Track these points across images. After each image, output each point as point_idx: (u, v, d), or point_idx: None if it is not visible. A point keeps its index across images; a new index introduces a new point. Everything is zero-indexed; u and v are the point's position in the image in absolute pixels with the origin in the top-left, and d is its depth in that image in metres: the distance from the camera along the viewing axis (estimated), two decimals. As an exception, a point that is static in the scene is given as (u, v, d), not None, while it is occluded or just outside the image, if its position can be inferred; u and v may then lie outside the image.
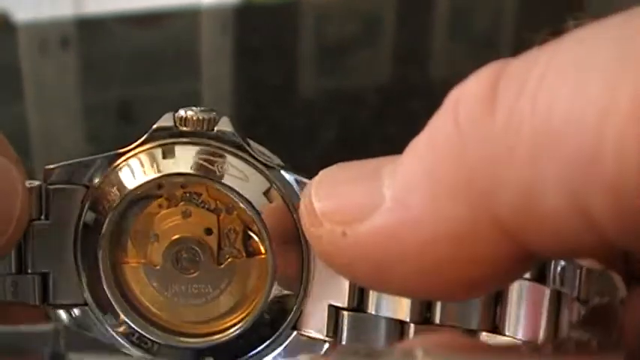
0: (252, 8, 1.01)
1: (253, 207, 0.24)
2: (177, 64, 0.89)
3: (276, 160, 0.25)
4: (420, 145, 0.19)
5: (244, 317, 0.25)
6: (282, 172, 0.24)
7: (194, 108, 0.24)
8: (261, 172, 0.24)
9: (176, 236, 0.25)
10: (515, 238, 0.18)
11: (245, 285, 0.25)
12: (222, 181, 0.24)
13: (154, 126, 0.24)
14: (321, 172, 0.21)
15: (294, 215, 0.24)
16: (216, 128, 0.24)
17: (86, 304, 0.25)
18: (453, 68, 0.89)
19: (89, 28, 0.93)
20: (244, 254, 0.25)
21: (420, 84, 0.87)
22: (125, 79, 0.85)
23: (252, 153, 0.24)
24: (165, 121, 0.24)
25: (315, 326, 0.24)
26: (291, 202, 0.24)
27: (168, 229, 0.25)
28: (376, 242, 0.19)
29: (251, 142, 0.25)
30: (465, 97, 0.18)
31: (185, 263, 0.25)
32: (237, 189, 0.24)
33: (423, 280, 0.19)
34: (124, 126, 0.76)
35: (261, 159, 0.24)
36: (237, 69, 0.89)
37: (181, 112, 0.24)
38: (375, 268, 0.19)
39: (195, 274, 0.25)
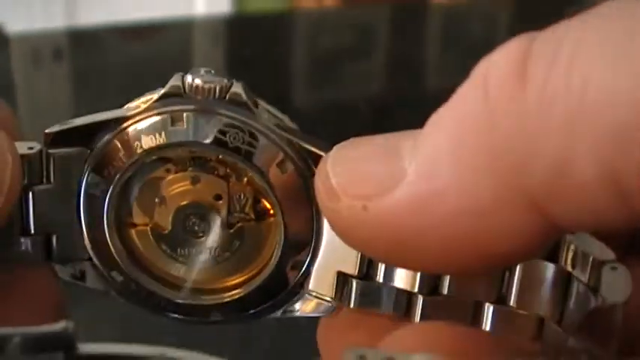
0: (245, 19, 1.01)
1: (266, 178, 0.23)
2: (170, 75, 0.88)
3: (288, 123, 0.24)
4: (445, 119, 0.19)
5: (253, 277, 0.24)
6: (296, 140, 0.23)
7: (203, 72, 0.23)
8: (273, 141, 0.23)
9: (185, 202, 0.24)
10: (542, 211, 0.18)
11: (255, 248, 0.24)
12: (234, 151, 0.23)
13: (162, 91, 0.23)
14: (335, 148, 0.21)
15: (307, 184, 0.23)
16: (228, 96, 0.23)
17: (91, 259, 0.24)
18: (446, 79, 0.89)
19: (82, 39, 0.93)
20: (254, 218, 0.24)
21: (413, 94, 0.87)
22: (118, 91, 0.85)
23: (265, 122, 0.23)
24: (175, 82, 0.23)
25: (323, 288, 0.24)
26: (303, 171, 0.23)
27: (177, 195, 0.24)
28: (398, 216, 0.19)
29: (263, 105, 0.24)
30: (494, 72, 0.18)
31: (194, 227, 0.24)
32: (249, 160, 0.23)
33: (445, 255, 0.19)
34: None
35: (274, 127, 0.23)
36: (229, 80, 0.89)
37: (189, 79, 0.23)
38: (396, 242, 0.19)
39: (204, 238, 0.24)
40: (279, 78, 0.90)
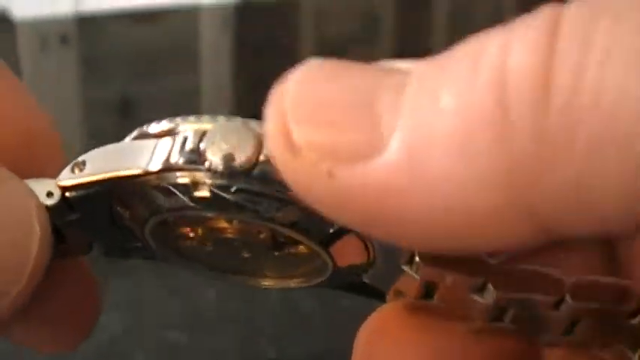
0: (252, 6, 1.01)
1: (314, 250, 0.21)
2: (177, 62, 0.89)
3: None
4: (445, 97, 0.16)
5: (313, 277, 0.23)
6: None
7: (224, 145, 0.20)
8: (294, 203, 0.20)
9: (224, 236, 0.22)
10: (543, 224, 0.16)
11: (305, 266, 0.23)
12: (273, 222, 0.21)
13: (180, 158, 0.20)
14: (295, 77, 0.17)
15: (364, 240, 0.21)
16: (256, 170, 0.19)
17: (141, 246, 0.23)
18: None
19: (89, 25, 0.93)
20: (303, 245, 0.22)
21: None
22: (125, 76, 0.85)
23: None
24: (192, 144, 0.20)
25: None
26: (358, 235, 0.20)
27: (215, 229, 0.22)
28: (372, 192, 0.16)
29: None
30: (514, 71, 0.15)
31: (237, 250, 0.23)
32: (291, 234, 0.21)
33: (423, 236, 0.16)
34: (125, 122, 0.76)
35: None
36: (236, 67, 0.89)
37: (208, 155, 0.20)
38: (368, 216, 0.16)
39: (249, 255, 0.23)
40: (286, 65, 0.90)
